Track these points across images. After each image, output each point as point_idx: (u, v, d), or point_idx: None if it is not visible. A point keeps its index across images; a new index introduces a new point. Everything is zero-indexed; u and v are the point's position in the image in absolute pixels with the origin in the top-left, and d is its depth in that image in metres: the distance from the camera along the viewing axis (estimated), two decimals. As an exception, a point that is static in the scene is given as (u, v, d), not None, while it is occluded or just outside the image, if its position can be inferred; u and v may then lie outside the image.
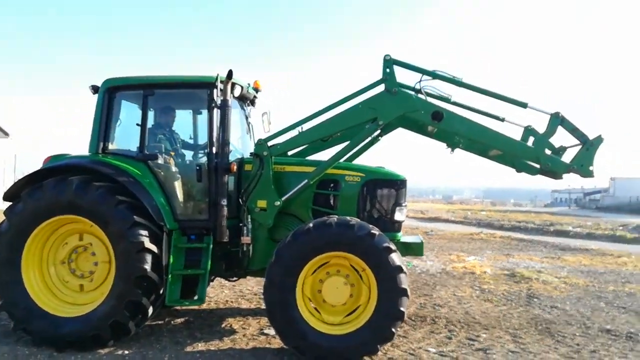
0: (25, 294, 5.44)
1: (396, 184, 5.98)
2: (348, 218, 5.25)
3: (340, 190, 5.97)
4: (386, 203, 5.95)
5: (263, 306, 7.43)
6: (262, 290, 8.36)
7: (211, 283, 7.65)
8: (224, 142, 5.67)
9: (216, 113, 5.78)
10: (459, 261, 12.44)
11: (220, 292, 8.21)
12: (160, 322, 6.39)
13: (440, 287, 9.16)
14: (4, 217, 5.52)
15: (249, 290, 8.53)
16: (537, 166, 5.92)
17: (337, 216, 5.33)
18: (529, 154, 5.57)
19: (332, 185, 6.03)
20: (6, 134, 34.78)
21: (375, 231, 5.11)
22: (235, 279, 6.35)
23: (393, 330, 5.03)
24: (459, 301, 8.04)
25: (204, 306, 7.23)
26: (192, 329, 6.19)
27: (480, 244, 17.31)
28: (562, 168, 5.53)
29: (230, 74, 5.64)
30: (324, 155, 6.43)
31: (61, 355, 5.17)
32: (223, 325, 6.37)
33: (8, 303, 5.44)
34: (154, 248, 5.34)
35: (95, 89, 6.09)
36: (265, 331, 6.08)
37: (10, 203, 5.62)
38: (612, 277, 10.66)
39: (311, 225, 5.15)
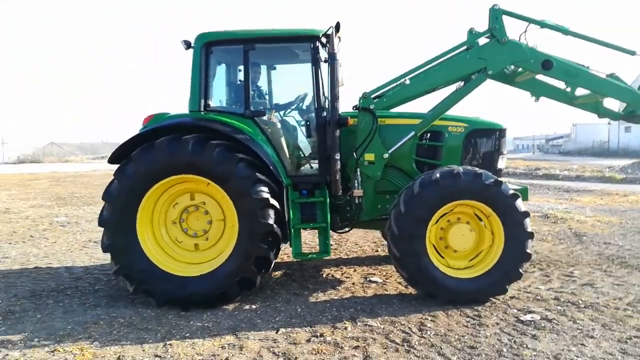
0: (143, 256, 5.36)
1: (498, 132, 6.12)
2: (472, 167, 5.37)
3: (444, 141, 6.05)
4: (489, 152, 6.10)
5: (344, 255, 7.72)
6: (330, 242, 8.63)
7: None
8: (334, 96, 5.59)
9: (317, 67, 5.71)
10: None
11: (286, 247, 8.24)
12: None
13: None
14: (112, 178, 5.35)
15: (315, 242, 8.63)
16: (620, 112, 6.19)
17: (460, 166, 5.40)
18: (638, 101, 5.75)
19: (434, 136, 6.11)
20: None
21: (501, 179, 5.28)
22: (343, 230, 6.40)
23: (520, 270, 5.30)
24: (520, 243, 8.41)
25: (287, 259, 7.33)
26: (299, 281, 6.29)
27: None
28: None
29: (338, 26, 5.51)
30: (408, 106, 6.42)
31: (190, 313, 5.15)
32: (325, 277, 6.50)
33: (125, 266, 5.34)
34: (276, 204, 5.33)
35: (187, 44, 5.83)
36: (372, 279, 6.24)
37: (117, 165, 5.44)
38: (636, 214, 11.35)
39: (438, 175, 5.23)
